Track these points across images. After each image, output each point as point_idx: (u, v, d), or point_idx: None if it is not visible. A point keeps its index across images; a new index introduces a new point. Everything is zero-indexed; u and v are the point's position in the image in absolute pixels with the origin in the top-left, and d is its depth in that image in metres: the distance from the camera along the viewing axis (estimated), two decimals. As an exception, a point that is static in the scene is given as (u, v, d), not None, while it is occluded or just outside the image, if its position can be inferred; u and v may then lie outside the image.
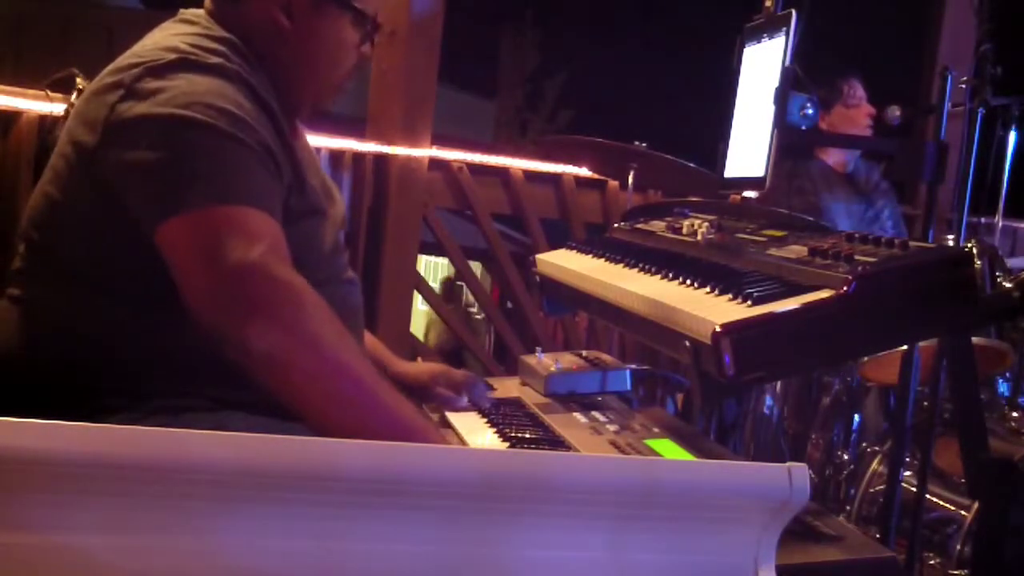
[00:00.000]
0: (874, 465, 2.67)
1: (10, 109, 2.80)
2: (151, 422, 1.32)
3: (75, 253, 1.44)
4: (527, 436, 1.64)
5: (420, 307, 7.00)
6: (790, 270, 1.46)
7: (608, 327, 3.58)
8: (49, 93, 2.48)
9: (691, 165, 3.08)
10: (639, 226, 2.06)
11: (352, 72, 1.67)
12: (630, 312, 1.59)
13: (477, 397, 1.83)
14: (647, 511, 1.01)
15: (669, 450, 1.54)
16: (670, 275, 1.59)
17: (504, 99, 16.68)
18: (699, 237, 1.77)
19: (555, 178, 3.91)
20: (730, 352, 1.26)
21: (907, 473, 2.43)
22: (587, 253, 1.98)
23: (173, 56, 1.43)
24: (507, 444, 1.60)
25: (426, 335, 8.59)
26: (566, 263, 1.97)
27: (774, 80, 1.69)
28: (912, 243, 1.43)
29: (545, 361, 1.96)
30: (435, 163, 3.59)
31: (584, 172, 3.86)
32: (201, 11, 1.58)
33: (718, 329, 1.28)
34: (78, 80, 2.00)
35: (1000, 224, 3.13)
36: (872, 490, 2.65)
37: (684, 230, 1.85)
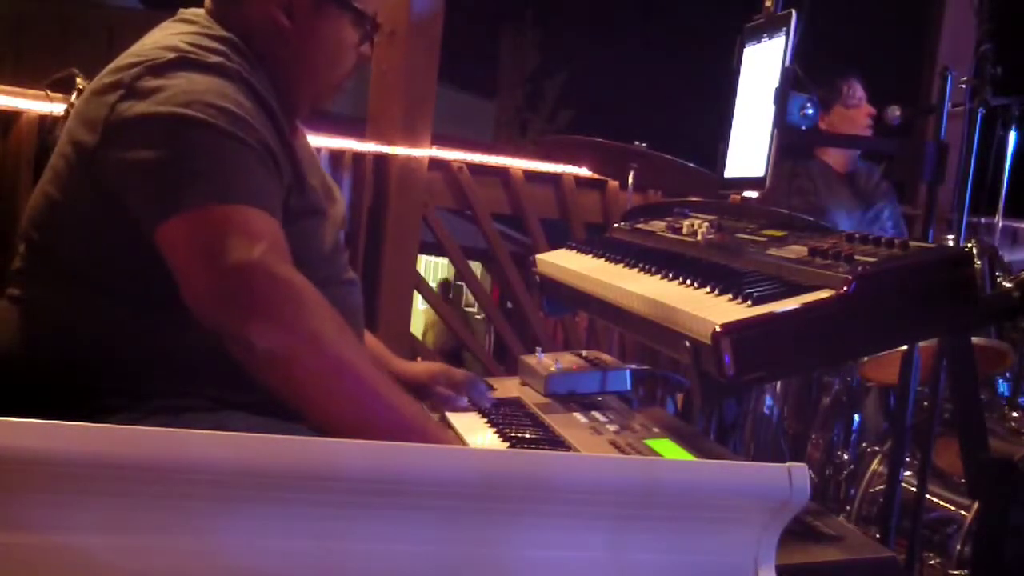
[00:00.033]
0: (874, 465, 2.67)
1: (10, 109, 2.80)
2: (151, 422, 1.32)
3: (75, 253, 1.44)
4: (527, 436, 1.64)
5: (419, 307, 7.00)
6: (790, 270, 1.46)
7: (608, 327, 3.58)
8: (49, 93, 2.48)
9: (691, 165, 3.08)
10: (639, 226, 2.06)
11: (351, 72, 1.67)
12: (630, 312, 1.59)
13: (477, 397, 1.83)
14: (647, 511, 1.01)
15: (669, 450, 1.54)
16: (670, 275, 1.59)
17: (504, 99, 16.68)
18: (699, 237, 1.77)
19: (555, 178, 3.91)
20: (730, 352, 1.26)
21: (907, 473, 2.43)
22: (587, 253, 1.98)
23: (173, 55, 1.43)
24: (507, 444, 1.60)
25: (424, 336, 8.59)
26: (566, 263, 1.97)
27: (774, 80, 1.69)
28: (912, 243, 1.43)
29: (545, 361, 1.96)
30: (435, 163, 3.59)
31: (584, 172, 3.86)
32: (201, 10, 1.58)
33: (718, 329, 1.28)
34: (78, 80, 2.00)
35: (1000, 224, 3.13)
36: (872, 490, 2.65)
37: (684, 230, 1.85)
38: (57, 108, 2.55)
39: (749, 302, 1.35)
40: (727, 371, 1.27)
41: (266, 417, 1.40)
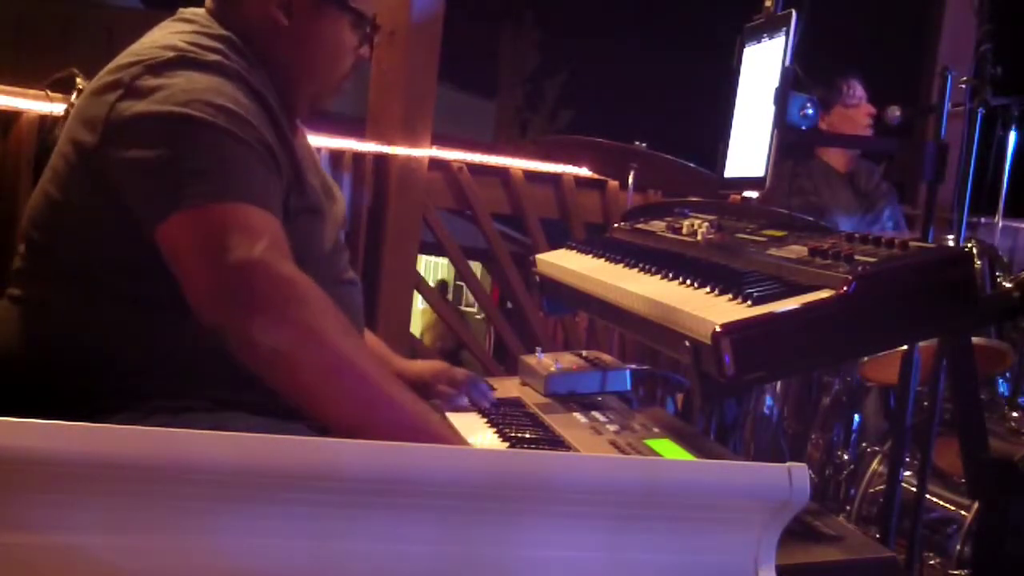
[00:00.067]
0: (874, 465, 2.67)
1: (10, 109, 2.80)
2: (151, 422, 1.32)
3: (75, 253, 1.44)
4: (527, 436, 1.64)
5: (416, 307, 6.99)
6: (790, 270, 1.46)
7: (608, 327, 3.58)
8: (49, 93, 2.47)
9: (691, 165, 3.08)
10: (639, 226, 2.06)
11: (349, 74, 1.67)
12: (630, 312, 1.59)
13: (477, 397, 1.83)
14: (647, 511, 1.01)
15: (669, 450, 1.54)
16: (670, 275, 1.59)
17: (504, 99, 16.67)
18: (699, 237, 1.77)
19: (555, 178, 3.91)
20: (730, 352, 1.26)
21: (907, 473, 2.43)
22: (587, 253, 1.98)
23: (172, 54, 1.43)
24: (507, 444, 1.60)
25: (420, 337, 8.58)
26: (566, 263, 1.97)
27: (774, 80, 1.69)
28: (912, 243, 1.43)
29: (545, 361, 1.96)
30: (435, 163, 3.59)
31: (584, 172, 3.86)
32: (200, 10, 1.58)
33: (718, 329, 1.28)
34: (78, 80, 2.00)
35: (1000, 224, 3.13)
36: (872, 490, 2.65)
37: (684, 230, 1.85)
38: (57, 108, 2.54)
39: (749, 302, 1.35)
40: (727, 371, 1.27)
41: (266, 417, 1.40)
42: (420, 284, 3.78)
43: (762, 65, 1.82)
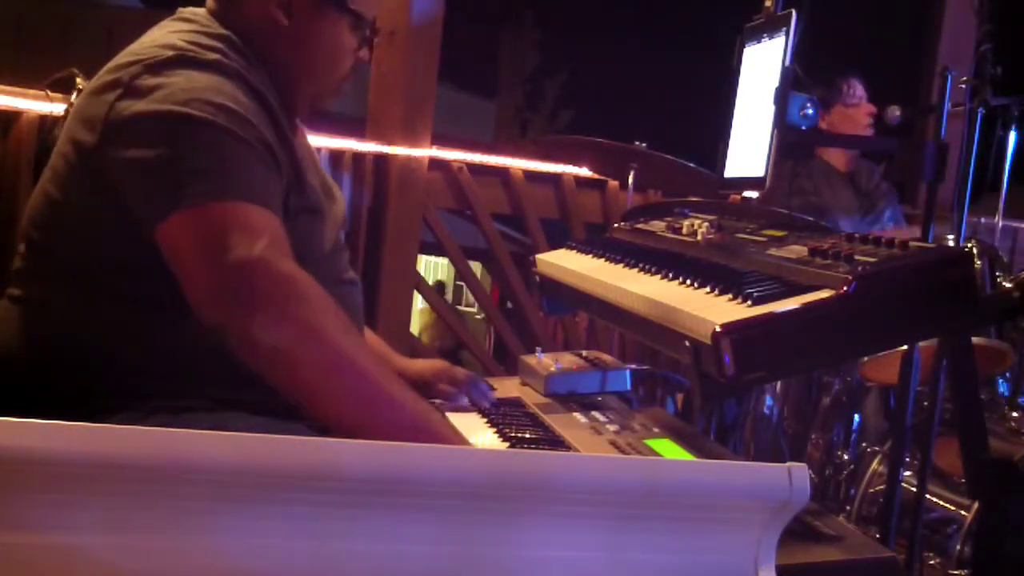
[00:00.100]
0: (874, 465, 2.67)
1: (10, 109, 2.80)
2: (151, 422, 1.32)
3: (75, 253, 1.44)
4: (527, 436, 1.64)
5: (415, 307, 6.99)
6: (790, 270, 1.46)
7: (608, 327, 3.58)
8: (49, 93, 2.47)
9: (691, 165, 3.08)
10: (639, 226, 2.06)
11: (349, 75, 1.67)
12: (630, 312, 1.58)
13: (477, 397, 1.83)
14: (647, 511, 1.01)
15: (669, 450, 1.54)
16: (670, 275, 1.59)
17: (504, 99, 16.67)
18: (699, 237, 1.77)
19: (555, 178, 3.91)
20: (730, 352, 1.26)
21: (907, 473, 2.43)
22: (587, 253, 1.98)
23: (171, 53, 1.43)
24: (507, 444, 1.60)
25: (419, 336, 8.57)
26: (566, 263, 1.97)
27: (774, 80, 1.69)
28: (912, 243, 1.43)
29: (545, 361, 1.96)
30: (435, 163, 3.59)
31: (584, 172, 3.86)
32: (200, 9, 1.58)
33: (718, 329, 1.28)
34: (78, 80, 2.00)
35: (1000, 224, 3.13)
36: (872, 490, 2.65)
37: (684, 230, 1.85)
38: (57, 108, 2.54)
39: (749, 302, 1.35)
40: (727, 371, 1.27)
41: (266, 417, 1.40)
42: (420, 284, 3.79)
43: (762, 65, 1.82)
